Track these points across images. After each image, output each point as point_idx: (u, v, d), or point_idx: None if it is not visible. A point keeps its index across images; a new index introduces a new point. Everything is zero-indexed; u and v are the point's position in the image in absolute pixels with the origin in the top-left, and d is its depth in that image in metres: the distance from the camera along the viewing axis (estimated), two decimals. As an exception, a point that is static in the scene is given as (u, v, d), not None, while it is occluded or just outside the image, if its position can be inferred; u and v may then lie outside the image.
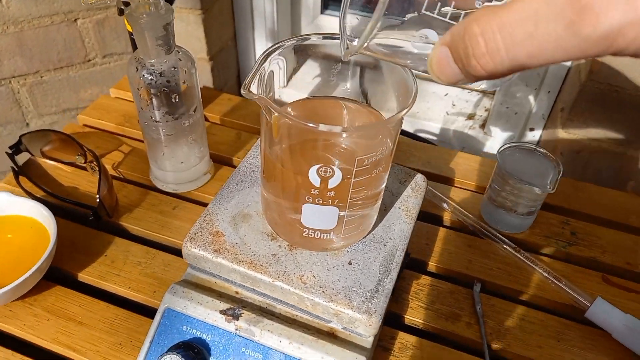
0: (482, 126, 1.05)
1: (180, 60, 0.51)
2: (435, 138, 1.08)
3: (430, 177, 0.65)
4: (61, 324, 0.47)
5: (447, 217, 0.59)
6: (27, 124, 0.96)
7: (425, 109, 1.08)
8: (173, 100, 0.51)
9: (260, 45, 1.07)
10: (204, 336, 0.38)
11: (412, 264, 0.54)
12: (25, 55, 0.88)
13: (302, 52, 0.35)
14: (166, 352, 0.36)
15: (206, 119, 0.72)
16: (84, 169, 0.62)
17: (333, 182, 0.32)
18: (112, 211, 0.57)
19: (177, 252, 0.54)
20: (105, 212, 0.55)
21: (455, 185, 0.64)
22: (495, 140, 1.00)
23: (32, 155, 0.64)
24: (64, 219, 0.56)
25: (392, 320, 0.50)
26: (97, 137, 0.67)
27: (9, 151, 0.61)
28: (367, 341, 0.38)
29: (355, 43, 0.25)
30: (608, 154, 0.81)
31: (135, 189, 0.60)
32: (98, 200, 0.53)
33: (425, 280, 0.53)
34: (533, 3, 0.18)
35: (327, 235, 0.37)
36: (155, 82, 0.50)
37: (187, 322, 0.39)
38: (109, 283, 0.51)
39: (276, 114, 0.29)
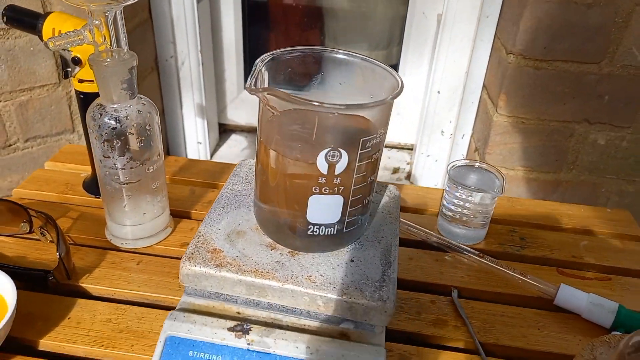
0: (408, 177, 1.13)
1: (144, 104, 0.51)
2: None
3: (384, 208, 0.68)
4: (28, 396, 0.41)
5: (410, 239, 0.62)
6: None
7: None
8: (139, 144, 0.51)
9: (189, 120, 1.09)
10: (214, 358, 0.36)
11: (390, 283, 0.55)
12: (-63, 143, 0.82)
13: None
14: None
15: (155, 181, 0.70)
16: (29, 238, 0.57)
17: (340, 168, 0.34)
18: (71, 274, 0.52)
19: (151, 305, 0.51)
20: (65, 272, 0.50)
21: (409, 212, 0.68)
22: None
23: (-35, 230, 0.58)
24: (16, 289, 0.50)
25: (385, 335, 0.50)
26: (39, 207, 0.62)
27: (-61, 227, 0.55)
28: (380, 336, 0.38)
29: None
30: (523, 181, 0.91)
31: (91, 251, 0.56)
32: (58, 256, 0.49)
33: (405, 294, 0.54)
34: None
35: (330, 231, 0.38)
36: (121, 126, 0.49)
37: (192, 346, 0.37)
38: (78, 345, 0.46)
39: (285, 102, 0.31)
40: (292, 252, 0.39)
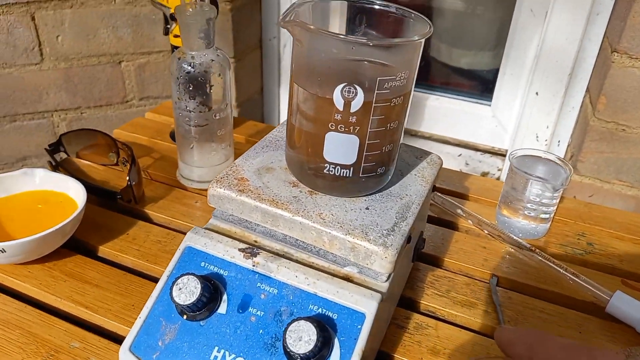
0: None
1: (218, 56, 0.56)
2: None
3: (444, 192, 0.67)
4: (77, 285, 0.48)
5: (462, 225, 0.60)
6: (61, 158, 1.01)
7: (439, 166, 1.11)
8: (208, 90, 0.56)
9: (285, 99, 1.14)
10: (221, 272, 0.39)
11: (428, 260, 0.54)
12: (70, 91, 0.96)
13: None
14: (183, 274, 0.37)
15: (232, 139, 0.76)
16: (117, 169, 0.65)
17: (355, 105, 0.35)
18: (139, 199, 0.59)
19: (197, 236, 0.55)
20: (132, 195, 0.57)
21: (470, 200, 0.65)
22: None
23: (68, 155, 0.68)
24: (91, 204, 0.58)
25: (407, 304, 0.49)
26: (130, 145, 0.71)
27: (48, 148, 0.65)
28: (383, 285, 0.38)
29: None
30: (619, 197, 0.82)
31: (161, 186, 0.63)
32: (128, 181, 0.56)
33: (440, 272, 0.53)
34: None
35: (346, 172, 0.39)
36: (194, 72, 0.55)
37: (205, 258, 0.40)
38: (128, 256, 0.52)
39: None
40: (311, 191, 0.41)
